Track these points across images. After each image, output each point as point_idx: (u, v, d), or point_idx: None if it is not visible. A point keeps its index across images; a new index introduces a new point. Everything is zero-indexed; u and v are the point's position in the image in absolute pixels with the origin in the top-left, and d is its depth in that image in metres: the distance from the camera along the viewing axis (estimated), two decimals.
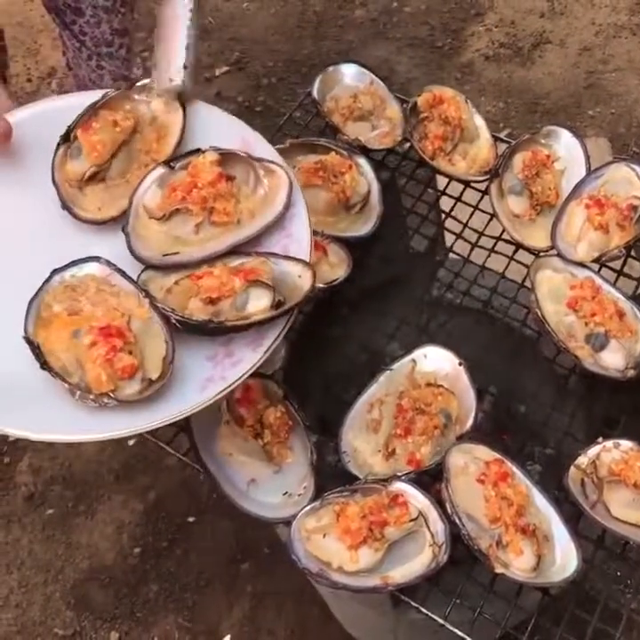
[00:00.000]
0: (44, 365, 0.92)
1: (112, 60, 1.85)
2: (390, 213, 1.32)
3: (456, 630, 1.00)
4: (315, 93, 1.40)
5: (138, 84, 1.14)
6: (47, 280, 1.00)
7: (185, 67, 1.12)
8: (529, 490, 1.06)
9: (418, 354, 1.18)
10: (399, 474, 1.07)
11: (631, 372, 1.13)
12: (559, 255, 1.24)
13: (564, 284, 1.21)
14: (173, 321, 0.96)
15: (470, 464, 1.07)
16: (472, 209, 1.37)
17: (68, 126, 1.08)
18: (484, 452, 1.08)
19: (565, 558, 1.01)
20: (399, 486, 1.05)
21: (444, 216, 1.39)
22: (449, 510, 1.02)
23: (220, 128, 1.13)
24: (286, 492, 1.08)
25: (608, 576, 1.09)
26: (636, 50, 2.77)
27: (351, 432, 1.13)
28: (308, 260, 1.03)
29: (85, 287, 1.00)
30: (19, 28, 2.94)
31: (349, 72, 1.45)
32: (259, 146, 1.11)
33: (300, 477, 1.09)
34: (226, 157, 1.07)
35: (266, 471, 1.10)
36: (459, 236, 1.36)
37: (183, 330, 0.97)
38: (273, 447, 1.10)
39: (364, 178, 1.33)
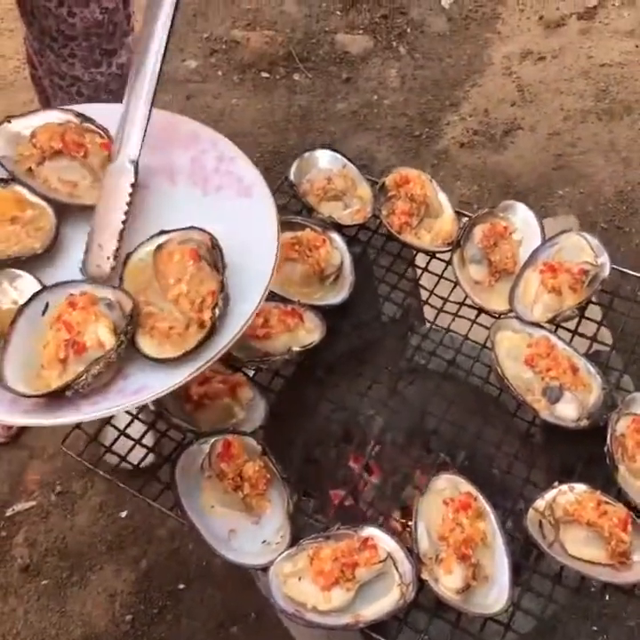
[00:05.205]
0: None
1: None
2: (362, 283, 1.41)
3: None
4: (291, 176, 1.52)
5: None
6: None
7: (115, 256, 1.16)
8: (491, 534, 1.13)
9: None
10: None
11: (584, 422, 1.21)
12: (517, 317, 1.34)
13: (521, 343, 1.30)
14: None
15: (448, 489, 1.17)
16: (437, 278, 1.47)
17: None
18: (466, 487, 1.17)
19: (494, 600, 1.08)
20: (369, 531, 1.12)
21: (412, 284, 1.49)
22: (412, 518, 1.12)
23: None
24: (265, 541, 1.15)
25: (569, 611, 1.15)
26: (602, 133, 2.93)
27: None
28: None
29: None
30: None
31: (324, 157, 1.56)
32: None
33: (278, 527, 1.16)
34: None
35: (245, 522, 1.17)
36: (425, 302, 1.45)
37: None
38: (252, 499, 1.17)
39: (338, 251, 1.43)
